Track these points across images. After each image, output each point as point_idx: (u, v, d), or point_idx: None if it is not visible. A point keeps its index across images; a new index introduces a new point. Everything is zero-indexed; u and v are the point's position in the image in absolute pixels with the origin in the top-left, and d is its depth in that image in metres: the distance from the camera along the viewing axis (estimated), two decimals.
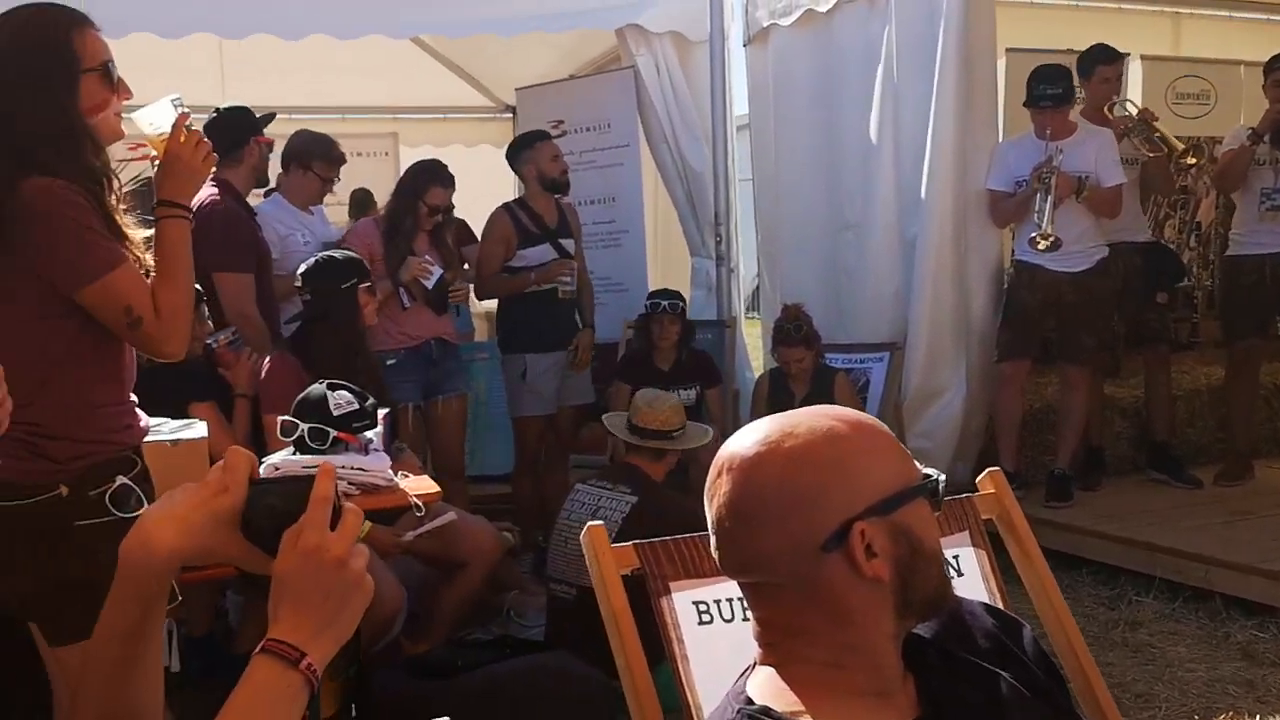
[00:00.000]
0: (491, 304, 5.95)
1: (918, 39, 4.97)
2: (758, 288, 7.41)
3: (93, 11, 2.26)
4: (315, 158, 4.80)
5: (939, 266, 4.96)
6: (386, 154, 7.32)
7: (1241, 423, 5.27)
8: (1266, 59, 5.08)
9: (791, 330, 4.86)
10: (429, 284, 4.63)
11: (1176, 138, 5.33)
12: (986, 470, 1.77)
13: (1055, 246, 4.65)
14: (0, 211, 1.29)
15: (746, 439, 1.25)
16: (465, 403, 4.98)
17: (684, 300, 5.23)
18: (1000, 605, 1.60)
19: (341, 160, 4.94)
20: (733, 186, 5.87)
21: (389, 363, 4.58)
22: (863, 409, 4.81)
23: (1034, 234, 4.71)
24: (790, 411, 1.28)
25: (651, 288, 5.83)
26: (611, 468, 4.06)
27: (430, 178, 4.73)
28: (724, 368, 5.53)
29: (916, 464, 1.26)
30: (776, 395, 4.89)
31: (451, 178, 4.80)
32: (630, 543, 1.56)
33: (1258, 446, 5.52)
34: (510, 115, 7.74)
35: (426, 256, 4.67)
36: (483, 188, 6.04)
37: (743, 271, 7.01)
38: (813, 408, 1.29)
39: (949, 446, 5.06)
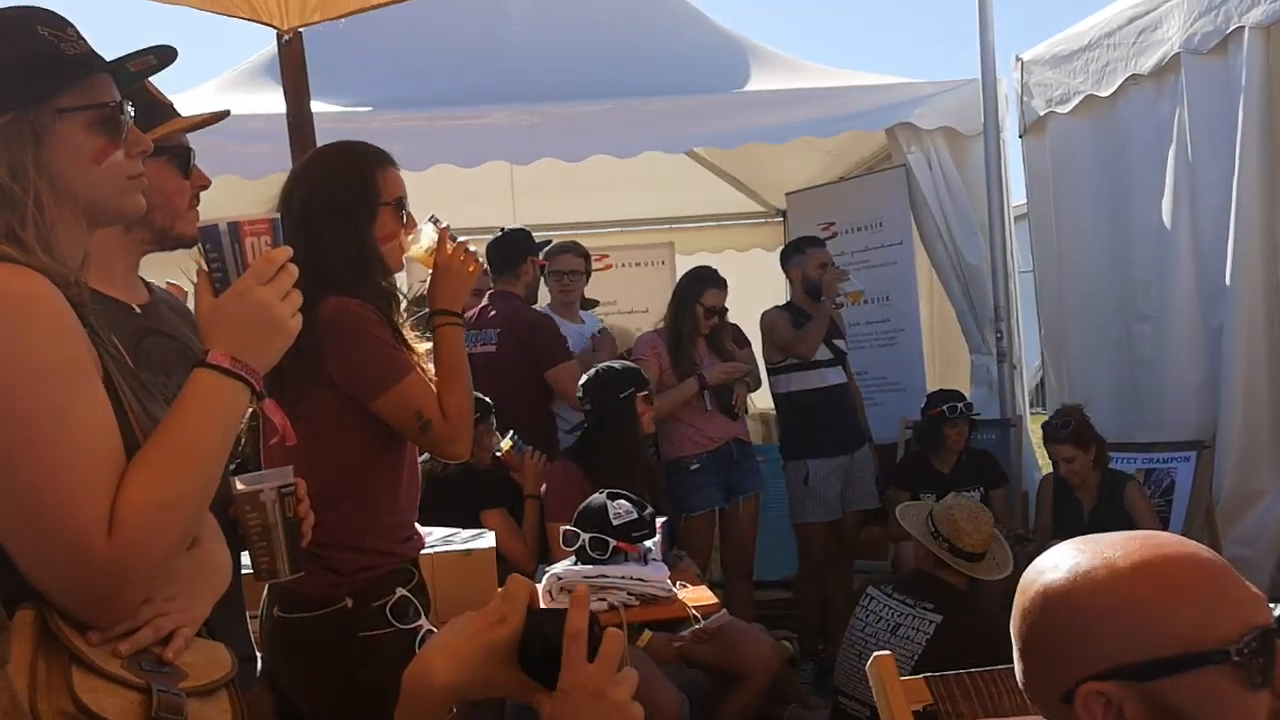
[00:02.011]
0: (768, 405, 5.97)
1: (1214, 115, 4.65)
2: (1041, 382, 7.07)
3: (402, 147, 2.47)
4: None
5: (1251, 356, 4.56)
6: (663, 263, 7.52)
7: None
8: None
9: (1058, 425, 4.59)
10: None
11: None
12: None
13: None
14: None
15: (1039, 562, 1.18)
16: (759, 502, 5.03)
17: (969, 401, 5.09)
18: None
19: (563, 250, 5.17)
20: (1012, 279, 5.67)
21: (693, 468, 4.73)
22: (1156, 517, 4.46)
23: None
24: (1096, 537, 1.16)
25: (930, 387, 5.69)
26: (913, 580, 3.81)
27: (704, 281, 4.89)
28: (1009, 468, 5.30)
29: (1245, 623, 1.04)
30: (1063, 504, 4.61)
31: (723, 280, 4.93)
32: (922, 675, 1.48)
33: None
34: (781, 219, 7.81)
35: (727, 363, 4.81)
36: (755, 292, 6.08)
37: (1024, 366, 6.71)
38: (1125, 535, 1.16)
39: (1272, 554, 4.58)
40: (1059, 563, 1.15)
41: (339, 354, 2.19)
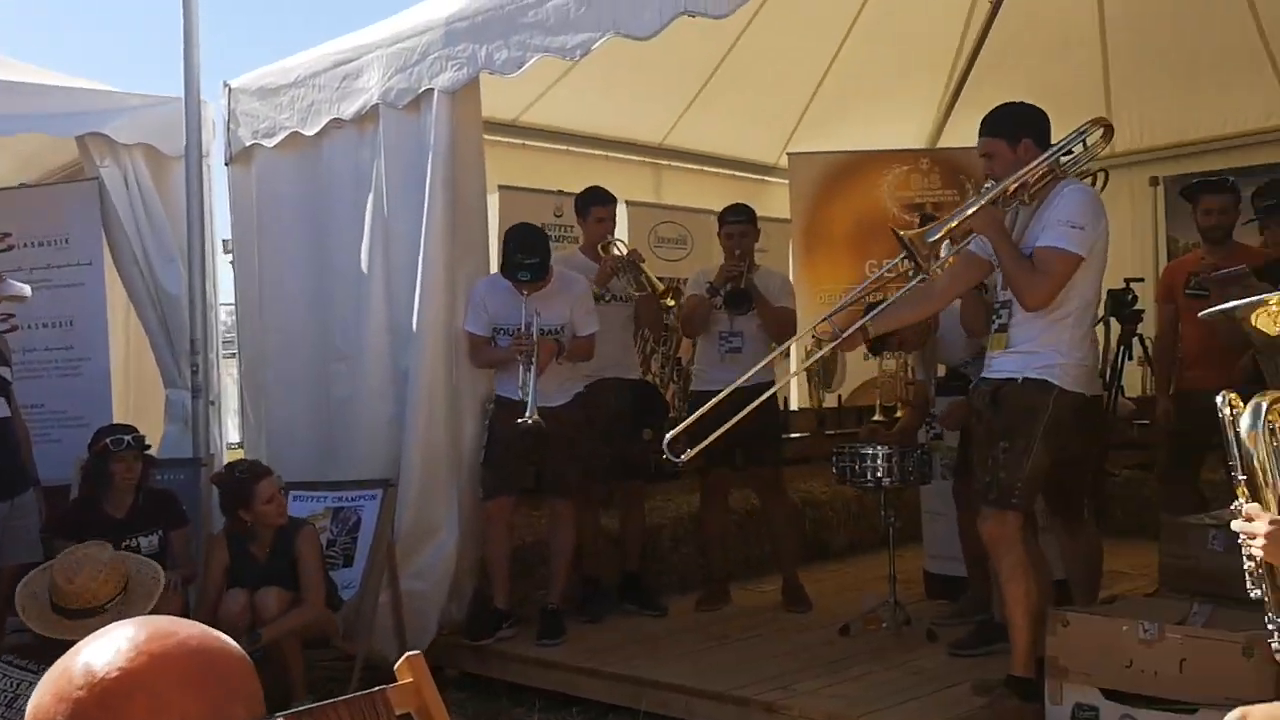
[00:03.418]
0: None
1: (408, 170, 4.88)
2: None
3: None
4: None
5: (431, 400, 4.82)
6: None
7: (716, 549, 5.54)
8: None
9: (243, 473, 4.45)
10: None
11: (659, 279, 5.61)
12: (405, 655, 1.56)
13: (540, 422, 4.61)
14: None
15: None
16: None
17: (139, 433, 4.71)
18: None
19: None
20: (213, 311, 5.44)
21: None
22: (322, 563, 4.51)
23: (520, 419, 4.60)
24: (129, 621, 1.02)
25: (119, 421, 5.22)
26: (40, 646, 3.38)
27: None
28: (199, 511, 5.01)
29: None
30: (237, 553, 4.46)
31: None
32: None
33: (734, 570, 5.85)
34: None
35: None
36: None
37: (233, 404, 6.52)
38: (140, 623, 1.01)
39: (443, 587, 4.87)
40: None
41: None
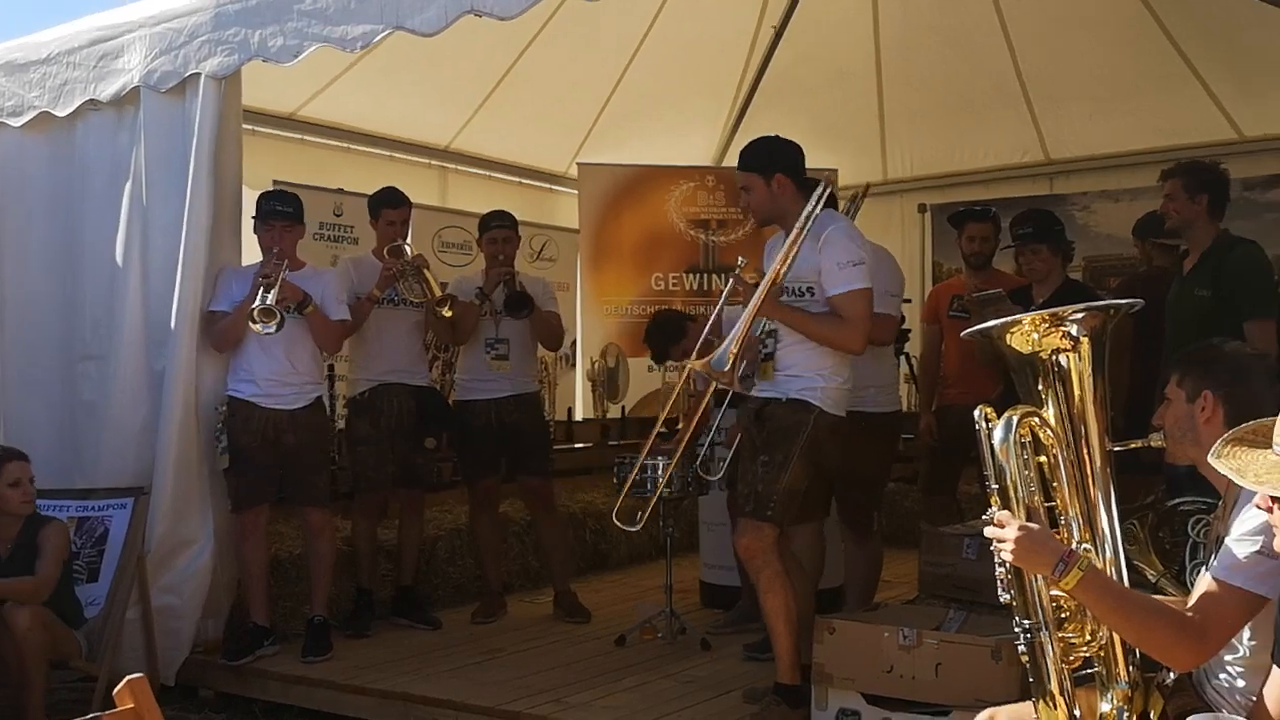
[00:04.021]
0: None
1: (170, 158, 4.60)
2: None
3: None
4: None
5: (186, 402, 4.54)
6: None
7: (490, 560, 5.43)
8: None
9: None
10: None
11: (441, 283, 5.44)
12: (126, 679, 1.41)
13: (281, 326, 4.41)
14: None
15: None
16: None
17: None
18: None
19: None
20: None
21: None
22: (60, 564, 4.21)
23: (256, 307, 4.39)
24: None
25: None
26: None
27: None
28: None
29: None
30: None
31: None
32: None
33: (512, 581, 5.77)
34: None
35: None
36: None
37: None
38: None
39: (197, 602, 4.60)
40: None
41: None
